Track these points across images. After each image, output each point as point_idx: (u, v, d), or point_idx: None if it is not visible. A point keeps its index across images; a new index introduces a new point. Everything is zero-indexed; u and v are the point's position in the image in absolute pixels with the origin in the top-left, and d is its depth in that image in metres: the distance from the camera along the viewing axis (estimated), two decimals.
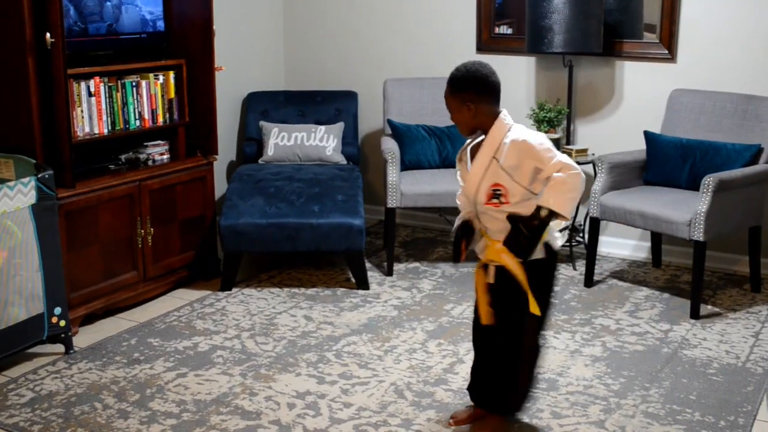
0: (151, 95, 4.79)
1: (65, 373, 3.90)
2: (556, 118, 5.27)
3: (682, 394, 3.69)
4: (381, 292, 4.88)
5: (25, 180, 3.83)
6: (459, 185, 3.29)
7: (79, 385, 3.77)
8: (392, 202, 5.04)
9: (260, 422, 3.45)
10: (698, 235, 4.39)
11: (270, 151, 5.52)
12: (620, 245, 5.53)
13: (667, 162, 4.88)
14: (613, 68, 5.39)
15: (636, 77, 5.34)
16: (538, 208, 2.99)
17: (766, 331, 4.35)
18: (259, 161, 5.55)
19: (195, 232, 5.00)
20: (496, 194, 3.07)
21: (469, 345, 4.15)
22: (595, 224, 4.90)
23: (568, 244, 5.28)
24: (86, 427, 3.41)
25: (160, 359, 4.04)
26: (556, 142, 5.26)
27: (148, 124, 4.80)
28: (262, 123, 5.67)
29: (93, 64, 4.50)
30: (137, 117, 4.73)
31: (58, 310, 4.01)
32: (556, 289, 3.27)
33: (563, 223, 3.25)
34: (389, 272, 5.16)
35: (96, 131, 4.50)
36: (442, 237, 5.92)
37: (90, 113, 4.46)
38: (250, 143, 5.71)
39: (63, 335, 4.07)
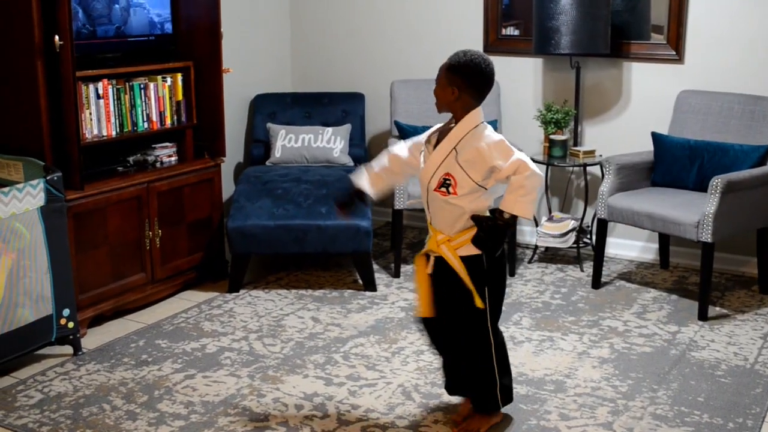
0: (159, 97, 4.80)
1: (74, 374, 3.91)
2: (564, 120, 5.27)
3: (690, 395, 3.69)
4: (388, 294, 4.88)
5: (34, 182, 3.84)
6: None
7: (88, 387, 3.79)
8: (400, 203, 5.04)
9: (268, 424, 3.46)
10: (706, 236, 4.38)
11: (277, 153, 5.53)
12: (628, 247, 5.53)
13: (674, 163, 4.87)
14: (620, 69, 5.38)
15: (643, 78, 5.33)
16: (501, 211, 3.14)
17: None
18: (267, 163, 5.56)
19: (203, 233, 5.01)
20: (445, 183, 3.18)
21: None
22: (602, 226, 4.90)
23: (575, 245, 5.27)
24: (94, 429, 3.42)
25: (168, 361, 4.05)
26: (564, 144, 5.27)
27: (156, 126, 4.81)
28: (269, 125, 5.68)
29: (101, 66, 4.51)
30: (145, 119, 4.74)
31: (66, 312, 4.03)
32: (507, 284, 3.44)
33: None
34: (396, 274, 5.16)
35: (104, 133, 4.51)
36: None
37: (98, 115, 4.47)
38: (258, 145, 5.72)
39: (71, 337, 4.08)
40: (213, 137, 5.06)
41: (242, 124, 6.02)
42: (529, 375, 3.88)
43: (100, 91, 4.45)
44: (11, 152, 4.18)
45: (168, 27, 4.93)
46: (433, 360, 4.01)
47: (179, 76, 4.91)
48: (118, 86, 4.55)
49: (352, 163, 5.55)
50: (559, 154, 5.27)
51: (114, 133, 4.57)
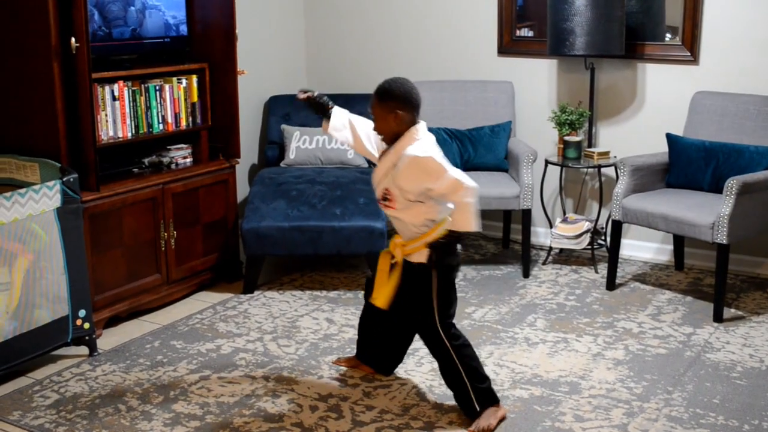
0: (175, 99, 4.82)
1: (89, 375, 3.93)
2: (578, 121, 5.26)
3: (706, 397, 3.68)
4: None
5: (50, 183, 3.86)
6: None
7: (104, 387, 3.80)
8: None
9: (283, 424, 3.47)
10: (721, 237, 4.36)
11: (292, 155, 5.54)
12: (642, 248, 5.51)
13: (689, 164, 4.86)
14: (635, 70, 5.37)
15: (658, 79, 5.32)
16: (449, 231, 3.34)
17: None
18: (281, 164, 5.58)
19: (217, 235, 5.02)
20: (384, 197, 3.43)
21: (491, 348, 4.17)
22: (617, 227, 4.89)
23: (590, 247, 5.26)
24: (110, 429, 3.44)
25: (183, 361, 4.06)
26: (578, 145, 5.26)
27: (172, 127, 4.83)
28: (283, 126, 5.69)
29: (117, 68, 4.54)
30: (160, 121, 4.76)
31: (82, 313, 4.05)
32: (457, 296, 3.58)
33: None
34: None
35: (120, 135, 4.54)
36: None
37: (114, 117, 4.49)
38: (272, 146, 5.74)
39: (87, 337, 4.10)
40: (228, 139, 5.08)
41: (257, 125, 6.04)
42: (544, 376, 3.88)
43: (116, 93, 4.48)
44: (27, 154, 4.20)
45: (183, 29, 4.95)
46: None
47: (194, 78, 4.92)
48: (133, 88, 4.58)
49: (366, 165, 5.56)
50: (573, 156, 5.27)
51: (129, 134, 4.59)
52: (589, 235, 5.24)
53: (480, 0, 5.73)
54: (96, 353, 4.14)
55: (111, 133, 4.49)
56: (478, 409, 3.44)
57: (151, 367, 4.01)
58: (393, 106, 3.35)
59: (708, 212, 4.44)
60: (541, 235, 5.78)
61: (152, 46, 4.80)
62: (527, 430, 3.43)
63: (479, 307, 4.70)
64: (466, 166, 5.37)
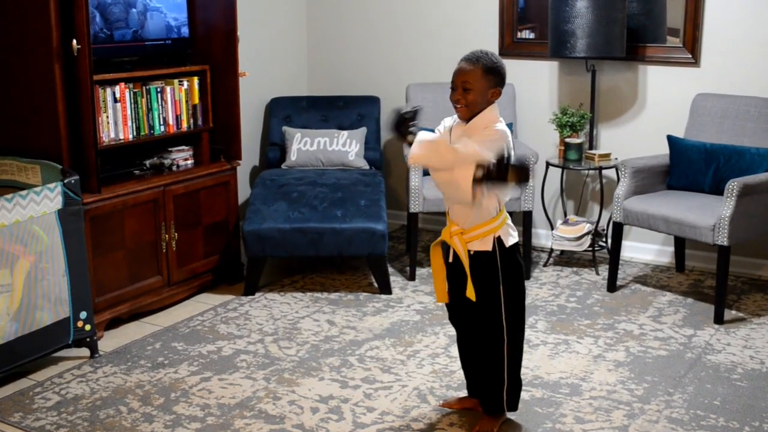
0: (176, 101, 4.82)
1: (90, 376, 3.93)
2: (579, 123, 5.26)
3: (706, 399, 3.68)
4: (403, 297, 4.89)
5: (52, 185, 3.87)
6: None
7: (105, 389, 3.81)
8: (415, 206, 5.05)
9: (284, 426, 3.47)
10: (722, 239, 4.37)
11: (293, 156, 5.54)
12: (643, 250, 5.52)
13: (690, 166, 4.86)
14: (636, 73, 5.37)
15: (659, 81, 5.32)
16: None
17: None
18: (282, 166, 5.58)
19: (219, 236, 5.03)
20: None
21: None
22: (618, 229, 4.89)
23: (590, 248, 5.27)
24: (111, 431, 3.44)
25: (185, 363, 4.07)
26: (579, 147, 5.27)
27: (173, 129, 4.83)
28: (285, 128, 5.69)
29: (118, 70, 4.54)
30: (162, 122, 4.76)
31: (83, 314, 4.05)
32: (526, 287, 3.51)
33: (509, 220, 3.35)
34: (412, 277, 5.17)
35: (121, 137, 4.54)
36: None
37: (115, 119, 4.50)
38: (273, 148, 5.74)
39: (88, 339, 4.10)
40: (229, 140, 5.08)
41: (258, 127, 6.04)
42: (545, 378, 3.88)
43: (117, 95, 4.48)
44: (29, 155, 4.21)
45: (185, 31, 4.95)
46: (448, 363, 4.02)
47: (196, 80, 4.93)
48: (135, 90, 4.58)
49: (367, 167, 5.56)
50: (574, 158, 5.27)
51: (131, 136, 4.59)
52: (590, 236, 5.24)
53: (481, 2, 5.74)
54: (97, 355, 4.14)
55: (112, 135, 4.49)
56: (504, 409, 3.42)
57: (152, 368, 4.02)
58: (496, 82, 3.20)
59: (709, 214, 4.44)
60: (542, 236, 5.78)
61: (154, 48, 4.80)
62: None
63: None
64: None
